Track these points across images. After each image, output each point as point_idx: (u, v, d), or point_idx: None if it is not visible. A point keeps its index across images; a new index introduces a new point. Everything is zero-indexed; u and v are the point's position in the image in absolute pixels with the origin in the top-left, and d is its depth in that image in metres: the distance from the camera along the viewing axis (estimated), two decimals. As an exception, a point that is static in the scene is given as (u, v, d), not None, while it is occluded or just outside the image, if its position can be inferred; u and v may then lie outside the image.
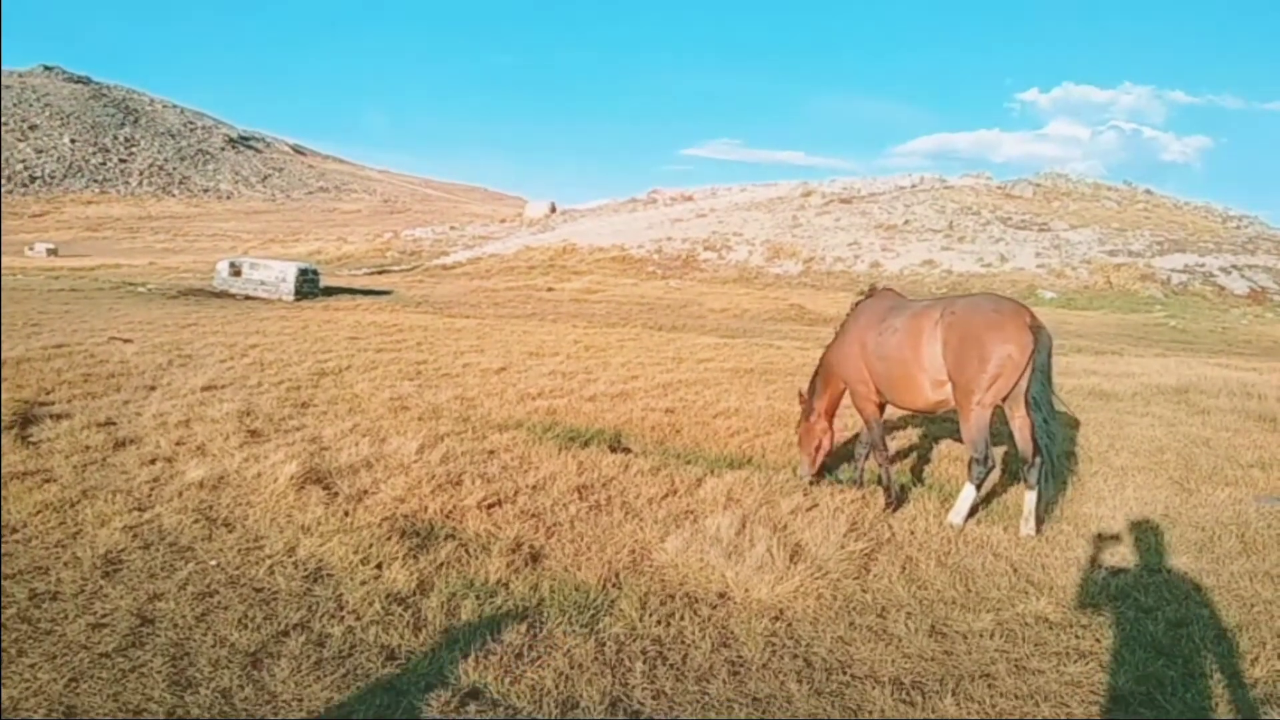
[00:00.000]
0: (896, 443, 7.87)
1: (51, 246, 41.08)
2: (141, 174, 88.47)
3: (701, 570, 4.71)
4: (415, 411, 8.30)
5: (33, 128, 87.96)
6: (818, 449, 6.63)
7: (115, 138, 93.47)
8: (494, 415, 8.37)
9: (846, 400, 6.78)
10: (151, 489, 5.72)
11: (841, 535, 5.17)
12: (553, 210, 58.69)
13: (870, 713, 3.48)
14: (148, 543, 4.82)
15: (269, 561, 4.65)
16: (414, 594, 4.34)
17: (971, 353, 5.40)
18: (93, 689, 3.38)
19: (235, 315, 17.06)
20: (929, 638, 4.13)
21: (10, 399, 7.69)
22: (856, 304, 6.59)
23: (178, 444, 6.76)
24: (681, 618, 4.23)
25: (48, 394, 8.28)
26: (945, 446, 7.79)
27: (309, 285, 22.47)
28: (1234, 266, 32.55)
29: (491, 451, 6.94)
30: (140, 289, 22.58)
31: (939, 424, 8.25)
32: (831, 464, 6.99)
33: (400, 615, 4.09)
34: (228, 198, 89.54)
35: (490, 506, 5.64)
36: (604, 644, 3.94)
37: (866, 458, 6.66)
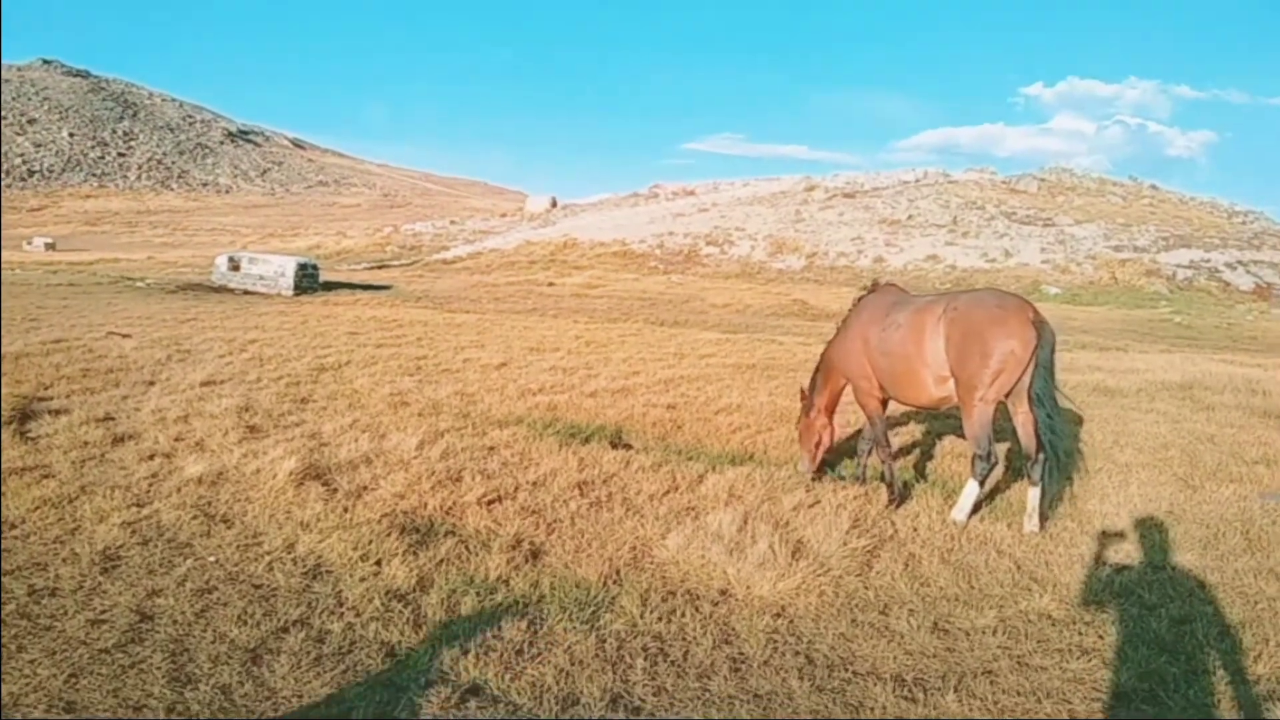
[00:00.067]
0: (899, 439, 7.86)
1: (50, 241, 41.01)
2: (140, 168, 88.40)
3: (703, 567, 4.70)
4: (415, 407, 8.28)
5: (31, 121, 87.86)
6: (818, 445, 6.61)
7: (114, 131, 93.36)
8: (494, 411, 8.35)
9: (848, 396, 6.76)
10: (150, 485, 5.70)
11: (844, 532, 5.15)
12: (554, 205, 58.61)
13: (872, 709, 3.47)
14: (146, 539, 4.80)
15: (268, 558, 4.63)
16: (414, 590, 4.32)
17: (974, 348, 5.38)
18: (92, 685, 3.37)
19: (234, 310, 17.03)
20: (931, 634, 4.11)
21: (9, 394, 7.67)
22: (859, 299, 6.56)
23: (176, 439, 6.75)
24: (683, 614, 4.21)
25: (46, 389, 8.26)
26: (948, 443, 7.77)
27: (308, 280, 22.46)
28: (1239, 262, 32.50)
29: (492, 447, 6.92)
30: (139, 284, 22.56)
31: (942, 420, 8.23)
32: (834, 460, 6.97)
33: (400, 612, 4.07)
34: (226, 192, 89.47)
35: (490, 503, 5.62)
36: (605, 640, 3.93)
37: (869, 454, 6.64)
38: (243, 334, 13.05)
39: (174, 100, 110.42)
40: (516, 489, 5.91)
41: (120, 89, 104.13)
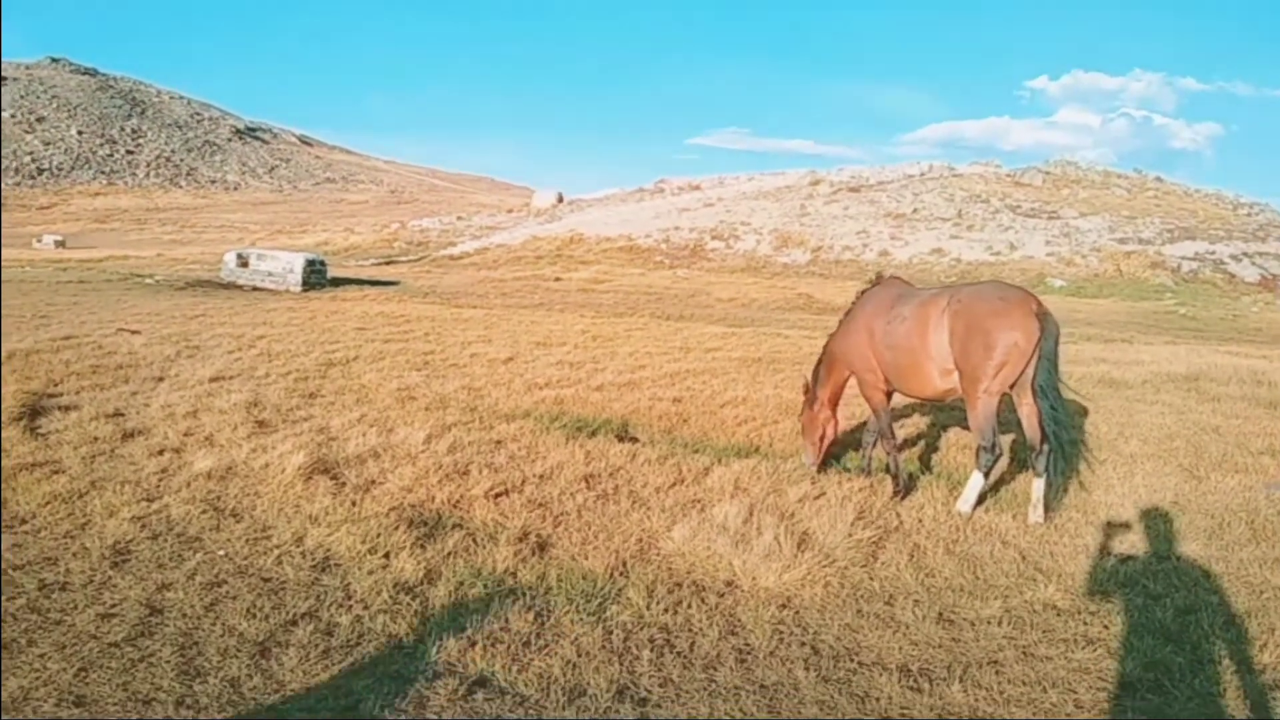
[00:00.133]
0: (904, 431, 7.86)
1: (59, 238, 41.19)
2: (149, 165, 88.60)
3: (709, 559, 4.71)
4: (422, 402, 8.31)
5: (40, 120, 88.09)
6: (822, 439, 6.61)
7: (122, 129, 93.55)
8: (501, 405, 8.38)
9: (852, 388, 6.76)
10: (160, 480, 5.74)
11: (849, 523, 5.16)
12: (560, 200, 58.59)
13: (878, 700, 3.48)
14: (156, 533, 4.84)
15: (277, 551, 4.66)
16: (421, 583, 4.34)
17: (977, 341, 5.38)
18: (102, 679, 3.40)
19: (243, 306, 17.10)
20: (936, 625, 4.12)
21: (19, 390, 7.73)
22: (863, 292, 6.56)
23: (186, 435, 6.79)
24: (689, 606, 4.23)
25: (56, 385, 8.32)
26: (953, 434, 7.77)
27: (316, 276, 22.52)
28: (1244, 254, 32.32)
29: (499, 441, 6.94)
30: (148, 280, 22.65)
31: (947, 412, 8.23)
32: (839, 452, 6.97)
33: (408, 604, 4.10)
34: (235, 189, 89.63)
35: (497, 496, 5.64)
36: (611, 632, 3.94)
37: (874, 446, 6.64)
38: (251, 330, 13.10)
39: (182, 98, 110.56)
40: (523, 482, 5.93)
41: (128, 87, 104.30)
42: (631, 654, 3.77)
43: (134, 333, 12.09)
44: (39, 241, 40.21)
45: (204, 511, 5.16)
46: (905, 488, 6.02)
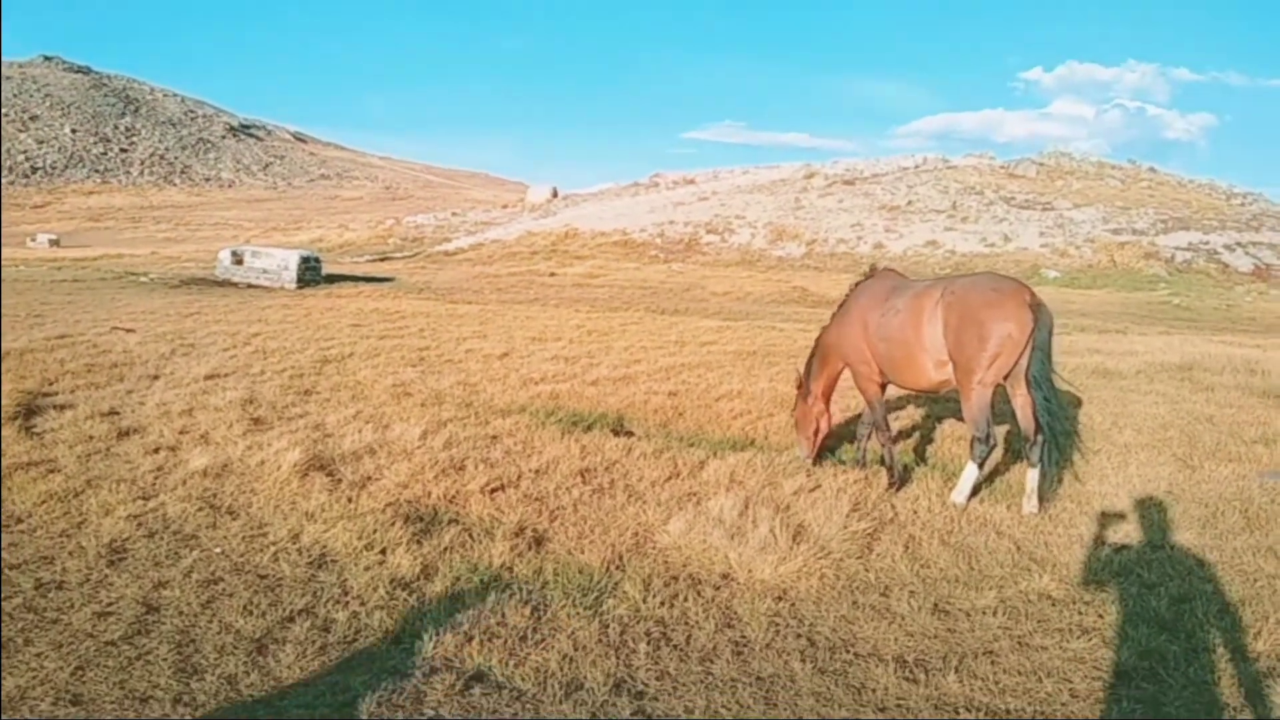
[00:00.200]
0: (899, 422, 7.87)
1: (54, 237, 41.07)
2: (143, 163, 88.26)
3: (704, 552, 4.72)
4: (418, 398, 8.31)
5: (33, 118, 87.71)
6: (816, 432, 6.62)
7: (116, 127, 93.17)
8: (497, 400, 8.38)
9: (846, 380, 6.77)
10: (155, 478, 5.74)
11: (844, 515, 5.17)
12: (554, 195, 58.49)
13: (874, 691, 3.49)
14: (152, 531, 4.84)
15: (273, 548, 4.67)
16: (418, 579, 4.35)
17: (971, 332, 5.39)
18: (99, 677, 3.40)
19: (238, 304, 17.07)
20: (932, 616, 4.13)
21: (14, 390, 7.71)
22: (857, 284, 6.57)
23: (181, 433, 6.79)
24: (685, 599, 4.24)
25: (51, 384, 8.30)
26: (947, 426, 7.79)
27: (311, 273, 22.49)
28: (1238, 244, 32.38)
29: (494, 437, 6.94)
30: (142, 279, 22.60)
31: (941, 403, 8.24)
32: (833, 445, 6.98)
33: (404, 600, 4.11)
34: (229, 186, 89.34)
35: (493, 491, 5.65)
36: (608, 626, 3.95)
37: (869, 438, 6.65)
38: (246, 327, 13.08)
39: (175, 95, 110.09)
40: (519, 477, 5.94)
41: (122, 85, 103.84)
42: (628, 647, 3.78)
43: (129, 331, 12.06)
44: (33, 240, 40.08)
45: (200, 509, 5.17)
46: (900, 479, 6.04)
